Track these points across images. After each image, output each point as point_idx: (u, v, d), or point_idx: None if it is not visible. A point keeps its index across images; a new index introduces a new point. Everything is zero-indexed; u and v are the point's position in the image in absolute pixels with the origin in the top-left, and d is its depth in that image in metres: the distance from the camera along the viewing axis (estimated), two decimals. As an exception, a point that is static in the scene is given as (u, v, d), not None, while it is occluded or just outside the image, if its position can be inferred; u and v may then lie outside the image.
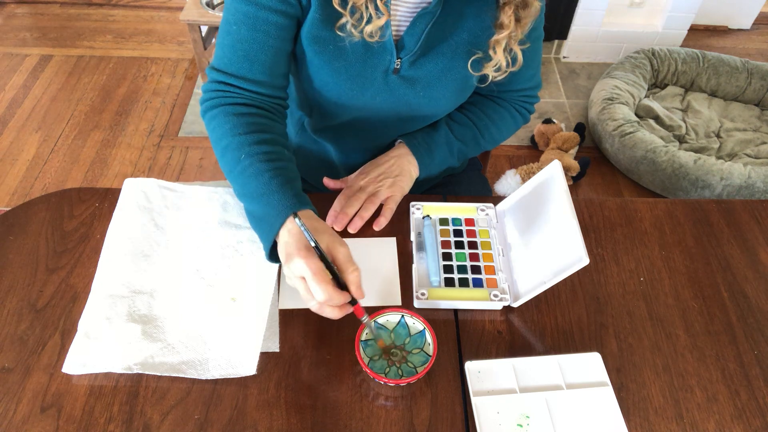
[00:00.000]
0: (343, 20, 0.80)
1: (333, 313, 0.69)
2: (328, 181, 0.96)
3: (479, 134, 1.01)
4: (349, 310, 0.71)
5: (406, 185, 0.94)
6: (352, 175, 0.96)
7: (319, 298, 0.67)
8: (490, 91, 1.01)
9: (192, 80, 2.53)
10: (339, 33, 0.81)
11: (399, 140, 1.00)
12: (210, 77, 0.86)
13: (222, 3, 2.36)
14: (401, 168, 0.95)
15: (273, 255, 0.77)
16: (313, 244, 0.69)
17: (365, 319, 0.72)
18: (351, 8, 0.79)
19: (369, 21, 0.79)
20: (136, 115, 2.35)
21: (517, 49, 0.86)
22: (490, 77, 0.89)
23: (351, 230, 0.88)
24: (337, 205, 0.90)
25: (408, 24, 0.84)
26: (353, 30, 0.80)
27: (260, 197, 0.76)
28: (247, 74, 0.83)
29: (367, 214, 0.89)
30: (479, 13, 0.84)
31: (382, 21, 0.79)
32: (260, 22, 0.80)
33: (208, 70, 0.86)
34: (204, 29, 2.34)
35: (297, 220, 0.70)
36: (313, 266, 0.66)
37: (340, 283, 0.69)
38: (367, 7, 0.78)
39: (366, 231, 0.89)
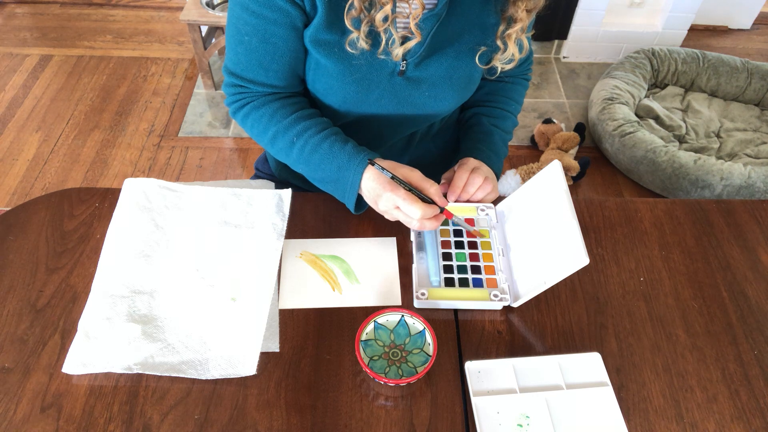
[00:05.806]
0: (353, 36, 0.80)
1: (432, 224, 0.79)
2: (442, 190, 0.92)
3: (514, 117, 1.07)
4: (443, 216, 0.80)
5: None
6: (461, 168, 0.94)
7: (416, 216, 0.77)
8: (498, 76, 1.02)
9: (192, 80, 2.53)
10: (349, 49, 0.82)
11: (462, 157, 0.97)
12: (228, 80, 0.90)
13: (222, 2, 2.36)
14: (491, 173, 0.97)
15: (357, 206, 0.86)
16: (389, 176, 0.78)
17: (455, 218, 0.83)
18: (369, 32, 0.80)
19: (391, 42, 0.81)
20: (136, 115, 2.35)
21: (523, 37, 0.89)
22: (500, 68, 0.90)
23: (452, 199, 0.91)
24: (459, 180, 0.90)
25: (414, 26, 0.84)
26: (365, 44, 0.81)
27: (328, 164, 0.84)
28: (264, 80, 0.87)
29: (479, 196, 0.91)
30: (484, 9, 0.85)
31: (413, 42, 0.81)
32: (269, 35, 0.82)
33: (225, 72, 0.90)
34: (204, 29, 2.34)
35: (376, 166, 0.80)
36: (401, 193, 0.77)
37: (425, 200, 0.79)
38: (388, 30, 0.80)
39: (366, 231, 0.89)
